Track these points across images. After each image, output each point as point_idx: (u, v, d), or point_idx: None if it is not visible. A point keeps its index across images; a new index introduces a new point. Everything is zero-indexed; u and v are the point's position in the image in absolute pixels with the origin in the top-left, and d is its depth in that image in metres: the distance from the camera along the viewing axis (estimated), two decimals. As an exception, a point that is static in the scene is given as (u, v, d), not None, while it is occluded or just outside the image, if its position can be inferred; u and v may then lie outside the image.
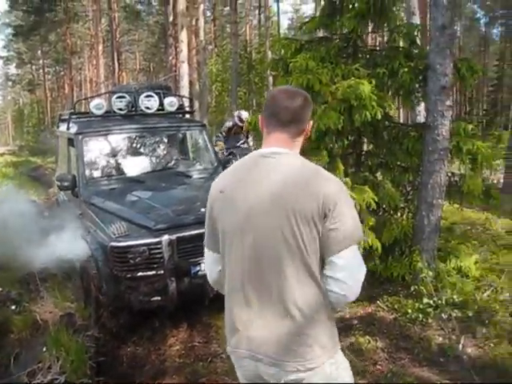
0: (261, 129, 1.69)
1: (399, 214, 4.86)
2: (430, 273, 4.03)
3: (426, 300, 4.03)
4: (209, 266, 1.80)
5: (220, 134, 9.28)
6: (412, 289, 4.22)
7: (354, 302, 4.54)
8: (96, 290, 4.22)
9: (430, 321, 4.05)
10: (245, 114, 9.04)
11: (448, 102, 4.13)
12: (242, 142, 9.16)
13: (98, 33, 22.43)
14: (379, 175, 4.95)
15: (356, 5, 4.69)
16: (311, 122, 1.70)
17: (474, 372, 3.42)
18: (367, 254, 4.25)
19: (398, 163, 4.74)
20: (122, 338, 4.32)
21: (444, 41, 4.14)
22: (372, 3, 4.61)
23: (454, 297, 3.94)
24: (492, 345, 3.79)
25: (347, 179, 4.19)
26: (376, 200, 4.17)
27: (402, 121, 12.81)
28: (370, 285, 4.84)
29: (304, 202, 1.48)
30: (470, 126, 4.60)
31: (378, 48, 5.44)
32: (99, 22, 22.66)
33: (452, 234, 6.63)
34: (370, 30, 5.43)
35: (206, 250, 1.78)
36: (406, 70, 4.51)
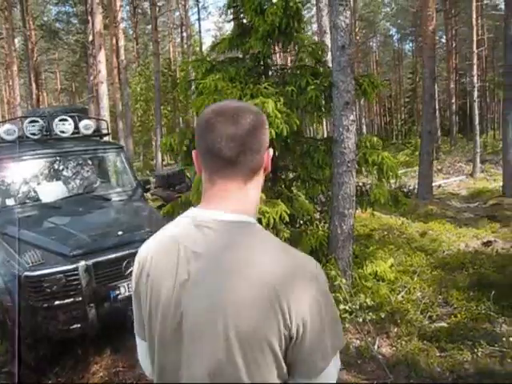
0: (197, 171, 1.16)
1: (315, 225, 5.04)
2: (344, 280, 4.21)
3: (341, 306, 4.21)
4: (141, 356, 1.26)
5: None
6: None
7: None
8: (11, 322, 4.05)
9: (347, 325, 4.23)
10: None
11: (352, 117, 4.39)
12: None
13: (11, 52, 21.53)
14: (294, 189, 5.13)
15: (262, 27, 4.87)
16: (270, 151, 1.15)
17: (388, 370, 3.62)
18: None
19: (311, 176, 4.93)
20: (43, 371, 4.16)
21: (344, 60, 4.40)
22: (277, 25, 4.83)
23: (367, 300, 4.14)
24: (404, 342, 4.03)
25: (262, 194, 4.31)
26: (289, 213, 4.31)
27: (325, 134, 13.28)
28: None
29: (255, 319, 0.94)
30: (375, 138, 4.90)
31: (287, 66, 5.65)
32: (12, 41, 21.77)
33: (370, 240, 7.00)
34: (278, 49, 5.63)
35: (136, 335, 1.25)
36: (312, 87, 4.75)
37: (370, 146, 4.88)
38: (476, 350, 3.83)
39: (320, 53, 5.28)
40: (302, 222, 4.97)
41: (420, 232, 7.46)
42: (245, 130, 1.05)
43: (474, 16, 17.38)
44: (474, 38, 17.28)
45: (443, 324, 4.44)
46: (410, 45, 49.10)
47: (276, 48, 5.67)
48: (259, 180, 1.12)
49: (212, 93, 4.51)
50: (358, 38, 30.27)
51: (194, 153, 1.14)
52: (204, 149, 1.08)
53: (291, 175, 5.08)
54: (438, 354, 3.88)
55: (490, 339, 3.94)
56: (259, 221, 4.11)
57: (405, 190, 11.78)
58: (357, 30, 28.98)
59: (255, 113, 1.10)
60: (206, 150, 1.07)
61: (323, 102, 4.76)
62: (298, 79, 4.97)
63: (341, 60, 4.40)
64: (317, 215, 5.31)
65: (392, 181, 5.02)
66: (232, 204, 1.06)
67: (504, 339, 3.84)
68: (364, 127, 27.16)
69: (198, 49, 29.16)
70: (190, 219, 1.07)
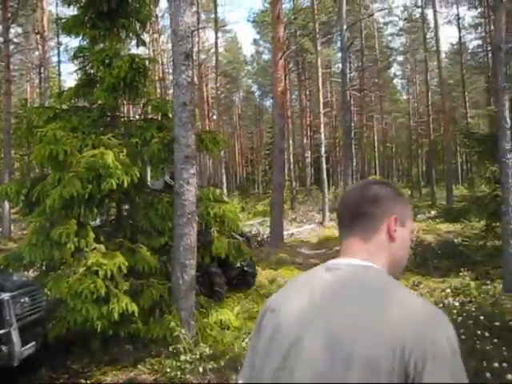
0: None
1: (158, 277, 5.04)
2: (183, 330, 4.24)
3: (182, 357, 4.21)
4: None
5: None
6: (171, 348, 4.37)
7: (115, 367, 4.54)
8: None
9: (187, 376, 4.22)
10: None
11: (192, 170, 4.57)
12: None
13: None
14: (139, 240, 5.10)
15: (108, 78, 4.93)
16: (394, 217, 1.18)
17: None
18: (125, 318, 4.29)
19: (155, 227, 4.97)
20: None
21: (186, 116, 4.62)
22: (122, 78, 4.93)
23: (206, 350, 4.19)
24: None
25: (101, 245, 4.24)
26: (129, 264, 4.28)
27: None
28: (134, 349, 4.88)
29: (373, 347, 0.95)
30: (218, 191, 5.14)
31: (135, 119, 5.75)
32: None
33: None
34: (126, 102, 5.71)
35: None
36: (156, 140, 4.88)
37: (213, 198, 5.09)
38: None
39: (166, 107, 5.47)
40: (143, 273, 4.93)
41: (269, 279, 7.82)
42: (367, 197, 1.18)
43: (320, 81, 19.27)
44: (321, 100, 19.10)
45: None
46: (271, 101, 52.49)
47: (124, 101, 5.75)
48: (378, 243, 1.18)
49: (50, 142, 4.40)
50: (219, 92, 31.62)
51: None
52: (337, 215, 1.25)
53: (133, 226, 5.06)
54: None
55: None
56: (95, 273, 4.01)
57: (259, 238, 12.34)
58: (218, 84, 30.28)
59: (385, 184, 1.25)
60: (338, 216, 1.24)
61: (166, 154, 4.89)
62: (144, 132, 5.08)
63: (182, 116, 4.61)
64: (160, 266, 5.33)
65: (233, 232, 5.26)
66: (355, 255, 1.15)
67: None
68: (224, 177, 28.02)
69: (56, 91, 27.93)
70: (322, 266, 1.16)
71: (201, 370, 4.17)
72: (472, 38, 39.70)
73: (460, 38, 31.38)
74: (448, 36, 55.99)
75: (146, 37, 23.68)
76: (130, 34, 5.51)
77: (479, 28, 35.12)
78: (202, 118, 27.50)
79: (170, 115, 5.28)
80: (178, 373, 4.17)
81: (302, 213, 20.87)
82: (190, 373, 4.22)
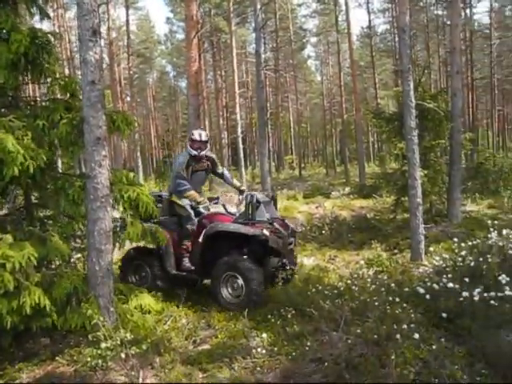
0: None
1: (73, 265, 4.84)
2: (102, 317, 4.11)
3: (103, 344, 4.08)
4: None
5: (181, 177, 6.08)
6: (91, 336, 4.23)
7: (31, 363, 4.32)
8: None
9: (109, 364, 4.12)
10: (200, 134, 6.22)
11: (104, 152, 4.38)
12: (201, 187, 6.64)
13: None
14: (49, 228, 4.84)
15: (5, 55, 4.55)
16: None
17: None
18: (39, 311, 4.08)
19: (67, 213, 4.74)
20: None
21: (95, 95, 4.40)
22: (23, 54, 4.59)
23: (128, 335, 4.10)
24: (167, 370, 4.11)
25: (7, 236, 3.97)
26: (40, 255, 4.06)
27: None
28: (51, 341, 4.67)
29: None
30: (132, 174, 4.99)
31: (40, 99, 5.38)
32: None
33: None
34: (29, 81, 5.32)
35: None
36: (65, 121, 4.61)
37: (127, 181, 4.93)
38: (233, 365, 4.13)
39: (73, 86, 5.17)
40: (57, 263, 4.70)
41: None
42: None
43: (235, 61, 19.23)
44: (236, 80, 19.10)
45: (207, 346, 4.68)
46: (186, 82, 51.67)
47: (27, 80, 5.35)
48: None
49: None
50: (131, 72, 30.55)
51: None
52: None
53: (45, 213, 4.79)
54: (200, 376, 4.06)
55: (245, 353, 4.30)
56: (2, 266, 3.76)
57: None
58: (130, 65, 29.25)
59: None
60: None
61: (77, 137, 4.64)
62: (51, 113, 4.78)
63: (91, 95, 4.38)
64: (77, 254, 5.11)
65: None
66: None
67: (254, 351, 4.23)
68: (139, 161, 27.32)
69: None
70: None
71: (123, 355, 4.06)
72: (381, 21, 41.67)
73: (370, 21, 32.71)
74: (359, 19, 58.04)
75: (50, 11, 22.22)
76: (31, 7, 5.10)
77: (387, 12, 36.84)
78: (115, 100, 26.47)
79: (80, 96, 5.01)
80: (100, 361, 4.04)
81: (221, 194, 20.87)
82: (111, 360, 4.10)
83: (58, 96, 5.16)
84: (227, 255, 5.71)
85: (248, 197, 5.80)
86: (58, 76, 5.22)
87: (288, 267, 5.86)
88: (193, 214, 6.16)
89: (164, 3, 51.15)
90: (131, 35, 31.43)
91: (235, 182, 6.74)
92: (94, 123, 4.35)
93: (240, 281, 5.49)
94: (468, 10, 32.57)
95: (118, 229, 5.14)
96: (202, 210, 6.23)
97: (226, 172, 6.68)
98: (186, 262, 6.04)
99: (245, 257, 5.66)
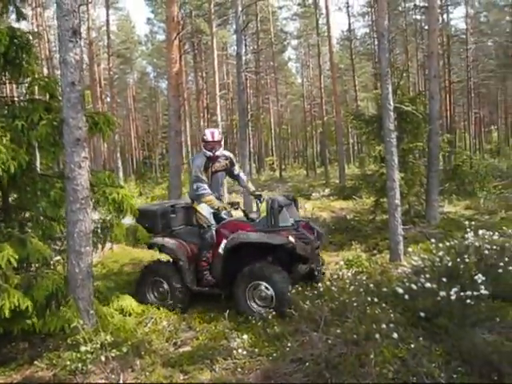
0: None
1: (53, 267, 4.80)
2: (81, 320, 4.09)
3: (83, 348, 4.05)
4: None
5: (200, 180, 5.76)
6: (69, 340, 4.20)
7: (8, 367, 4.26)
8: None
9: (89, 367, 4.09)
10: (212, 133, 5.90)
11: (84, 154, 4.36)
12: (222, 187, 6.34)
13: None
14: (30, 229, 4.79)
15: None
16: None
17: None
18: (18, 314, 4.03)
19: (47, 215, 4.70)
20: None
21: (75, 96, 4.38)
22: (2, 53, 4.54)
23: (108, 338, 4.08)
24: (148, 373, 4.10)
25: (-15, 238, 3.92)
26: (20, 257, 4.01)
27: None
28: (30, 345, 4.61)
29: None
30: (114, 176, 4.97)
31: (19, 99, 5.31)
32: None
33: (121, 275, 6.97)
34: (7, 80, 5.26)
35: None
36: (44, 122, 4.57)
37: (109, 183, 4.91)
38: (214, 367, 4.14)
39: (53, 87, 5.12)
40: (37, 265, 4.65)
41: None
42: None
43: (216, 62, 19.23)
44: (217, 82, 19.09)
45: (187, 348, 4.68)
46: (166, 83, 51.43)
47: (6, 80, 5.29)
48: None
49: None
50: (111, 72, 30.25)
51: None
52: None
53: (25, 215, 4.74)
54: (181, 378, 4.07)
55: (226, 354, 4.31)
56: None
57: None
58: (111, 65, 28.95)
59: None
60: None
61: (57, 138, 4.60)
62: (30, 113, 4.73)
63: (71, 96, 4.36)
64: (57, 256, 5.06)
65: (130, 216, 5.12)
66: None
67: (234, 352, 4.25)
68: (119, 162, 27.06)
69: None
70: None
71: (103, 358, 4.05)
72: (360, 25, 42.08)
73: (350, 24, 33.06)
74: (339, 23, 58.66)
75: (28, 10, 21.91)
76: (8, 6, 5.04)
77: (367, 16, 37.24)
78: (95, 100, 26.20)
79: (59, 96, 4.96)
80: (79, 364, 4.02)
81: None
82: (91, 363, 4.08)
83: (37, 96, 5.11)
84: (250, 264, 5.31)
85: (269, 201, 5.41)
86: (37, 76, 5.17)
87: (316, 273, 5.56)
88: (214, 224, 5.78)
89: (145, 4, 50.88)
90: (111, 35, 31.11)
91: (250, 185, 6.36)
92: (74, 124, 4.32)
93: (269, 290, 5.16)
94: (445, 16, 33.19)
95: (98, 230, 5.11)
96: (223, 215, 5.95)
97: (241, 174, 6.32)
98: (208, 276, 5.66)
99: (271, 264, 5.32)
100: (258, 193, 6.26)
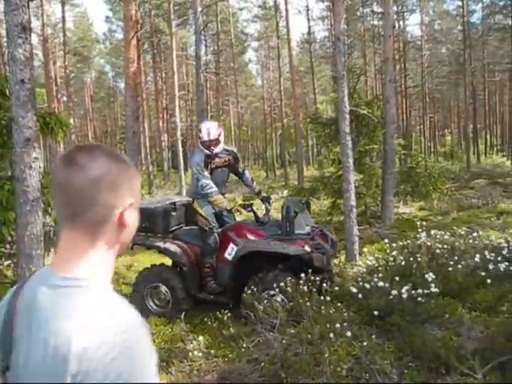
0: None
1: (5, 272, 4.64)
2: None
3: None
4: None
5: (204, 177, 5.30)
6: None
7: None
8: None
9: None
10: (208, 132, 5.31)
11: (34, 154, 4.23)
12: (225, 184, 5.80)
13: None
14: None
15: None
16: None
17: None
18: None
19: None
20: None
21: (24, 94, 4.24)
22: None
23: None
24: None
25: None
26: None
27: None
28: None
29: None
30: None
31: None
32: None
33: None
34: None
35: None
36: (-8, 121, 4.42)
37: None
38: (170, 369, 4.09)
39: (4, 85, 4.96)
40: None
41: (126, 265, 7.64)
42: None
43: (175, 63, 19.06)
44: (176, 82, 18.92)
45: (143, 351, 4.60)
46: (125, 83, 50.58)
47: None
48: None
49: None
50: (68, 71, 29.51)
51: None
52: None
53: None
54: (136, 382, 3.98)
55: (182, 356, 4.28)
56: None
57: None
58: (67, 63, 28.25)
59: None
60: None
61: (6, 137, 4.45)
62: (-22, 112, 4.56)
63: (20, 94, 4.21)
64: (7, 261, 4.90)
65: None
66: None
67: (190, 354, 4.22)
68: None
69: None
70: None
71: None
72: (320, 28, 42.70)
73: (309, 28, 33.41)
74: (299, 26, 59.35)
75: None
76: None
77: (326, 20, 37.84)
78: (50, 100, 25.46)
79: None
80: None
81: (159, 197, 20.64)
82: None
83: None
84: (259, 271, 4.91)
85: (285, 207, 5.00)
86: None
87: (328, 282, 5.09)
88: (217, 226, 5.36)
89: (103, 1, 49.78)
90: (68, 33, 30.40)
91: (255, 185, 5.92)
92: (24, 123, 4.19)
93: (279, 298, 4.73)
94: (401, 22, 34.19)
95: (51, 234, 4.97)
96: (226, 219, 5.54)
97: (246, 172, 5.89)
98: (212, 283, 5.26)
99: (285, 273, 4.84)
100: (263, 195, 5.85)
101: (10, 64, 4.30)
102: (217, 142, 5.31)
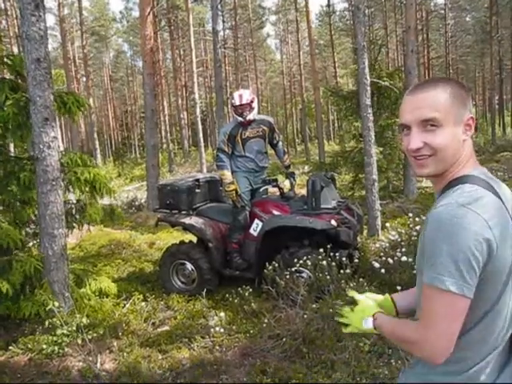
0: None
1: (28, 250, 4.71)
2: (57, 303, 4.03)
3: (59, 331, 4.01)
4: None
5: (221, 150, 5.29)
6: (47, 323, 4.14)
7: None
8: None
9: (66, 350, 4.05)
10: (240, 96, 5.26)
11: (53, 133, 4.23)
12: (263, 156, 5.49)
13: None
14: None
15: None
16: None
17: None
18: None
19: (18, 199, 4.58)
20: None
21: (41, 74, 4.22)
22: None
23: (83, 320, 4.04)
24: (126, 354, 4.07)
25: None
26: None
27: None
28: (5, 330, 4.54)
29: None
30: (86, 156, 4.85)
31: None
32: None
33: (99, 257, 6.88)
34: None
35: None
36: (11, 102, 4.42)
37: (81, 163, 4.80)
38: (192, 345, 4.13)
39: (21, 65, 4.94)
40: (10, 249, 4.55)
41: (148, 243, 7.71)
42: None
43: (193, 39, 18.87)
44: (194, 59, 18.77)
45: (166, 327, 4.66)
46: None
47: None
48: None
49: None
50: (86, 51, 29.52)
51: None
52: None
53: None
54: (159, 357, 4.04)
55: (204, 332, 4.31)
56: None
57: (136, 203, 12.02)
58: (85, 43, 28.26)
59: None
60: None
61: (25, 118, 4.45)
62: (-4, 94, 4.56)
63: (36, 74, 4.20)
64: (33, 240, 4.97)
65: (107, 197, 5.01)
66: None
67: (212, 330, 4.25)
68: (97, 143, 26.64)
69: None
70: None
71: (79, 341, 4.02)
72: (339, 0, 41.61)
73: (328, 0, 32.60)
74: (317, -3, 57.86)
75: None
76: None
77: (345, -9, 36.83)
78: (69, 80, 25.59)
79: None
80: (56, 348, 3.99)
81: (181, 175, 20.76)
82: (68, 346, 4.05)
83: (7, 76, 4.93)
84: (285, 247, 4.88)
85: (311, 181, 4.89)
86: (4, 54, 4.98)
87: (355, 257, 4.93)
88: (249, 204, 5.31)
89: (118, -21, 49.41)
90: (84, 12, 30.31)
91: (286, 158, 5.70)
92: (41, 103, 4.18)
93: (310, 278, 4.61)
94: (424, -10, 33.04)
95: (73, 212, 5.01)
96: (261, 191, 5.48)
97: (280, 144, 5.67)
98: (238, 259, 5.24)
99: (313, 249, 4.74)
100: (291, 170, 5.70)
101: (25, 43, 4.27)
102: (250, 107, 5.20)
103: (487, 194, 1.20)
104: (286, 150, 5.88)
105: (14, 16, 21.80)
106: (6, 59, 4.93)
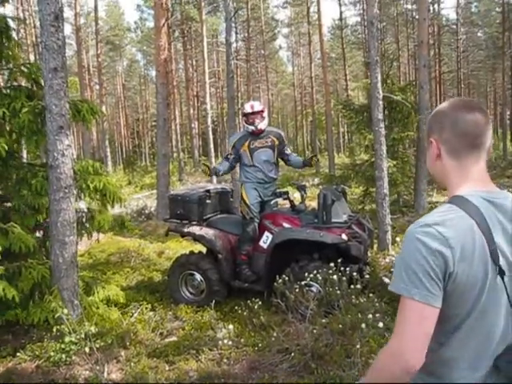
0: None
1: (38, 257, 4.72)
2: (66, 310, 4.03)
3: (67, 338, 4.01)
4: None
5: (225, 157, 5.52)
6: (55, 330, 4.14)
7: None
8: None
9: (73, 358, 4.04)
10: (251, 105, 5.35)
11: (67, 142, 4.27)
12: (273, 167, 5.45)
13: None
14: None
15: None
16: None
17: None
18: (2, 305, 3.97)
19: (29, 205, 4.61)
20: None
21: (57, 83, 4.27)
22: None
23: (92, 328, 4.04)
24: (133, 364, 4.06)
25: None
26: (3, 248, 3.94)
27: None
28: (13, 336, 4.55)
29: None
30: (98, 164, 4.88)
31: (2, 86, 5.19)
32: None
33: (108, 265, 6.90)
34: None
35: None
36: (26, 110, 4.47)
37: (93, 171, 4.83)
38: (200, 357, 4.11)
39: (37, 73, 5.01)
40: (19, 255, 4.57)
41: (157, 252, 7.72)
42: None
43: (206, 50, 19.03)
44: (206, 70, 18.91)
45: (174, 338, 4.64)
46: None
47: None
48: None
49: None
50: (100, 60, 29.85)
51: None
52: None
53: (7, 205, 4.65)
54: (167, 368, 4.02)
55: (212, 344, 4.28)
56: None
57: (146, 211, 12.06)
58: (99, 52, 28.59)
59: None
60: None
61: (39, 125, 4.50)
62: (12, 101, 4.63)
63: (53, 83, 4.25)
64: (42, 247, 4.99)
65: (117, 205, 5.03)
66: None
67: (220, 342, 4.22)
68: (108, 150, 26.84)
69: None
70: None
71: (87, 349, 4.01)
72: (352, 14, 41.85)
73: (341, 13, 32.77)
74: (330, 11, 58.24)
75: (13, -5, 21.46)
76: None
77: (358, 5, 37.02)
78: (83, 88, 25.87)
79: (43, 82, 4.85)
80: (63, 355, 3.97)
81: (191, 184, 20.80)
82: (75, 354, 4.04)
83: (23, 83, 5.00)
84: (295, 261, 4.86)
85: (322, 194, 4.89)
86: (21, 62, 5.06)
87: (366, 272, 4.84)
88: (258, 216, 5.30)
89: (134, -10, 50.10)
90: (100, 22, 30.68)
91: (302, 159, 5.62)
92: (57, 111, 4.23)
93: (314, 288, 4.63)
94: (436, 5, 33.12)
95: (83, 220, 5.03)
96: (271, 203, 5.44)
97: (293, 154, 5.69)
98: (247, 271, 5.21)
99: (323, 264, 4.67)
100: (302, 183, 5.68)
101: (43, 53, 4.34)
102: (261, 116, 5.25)
103: (461, 216, 1.26)
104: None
105: (32, 25, 22.15)
106: (23, 67, 5.00)
